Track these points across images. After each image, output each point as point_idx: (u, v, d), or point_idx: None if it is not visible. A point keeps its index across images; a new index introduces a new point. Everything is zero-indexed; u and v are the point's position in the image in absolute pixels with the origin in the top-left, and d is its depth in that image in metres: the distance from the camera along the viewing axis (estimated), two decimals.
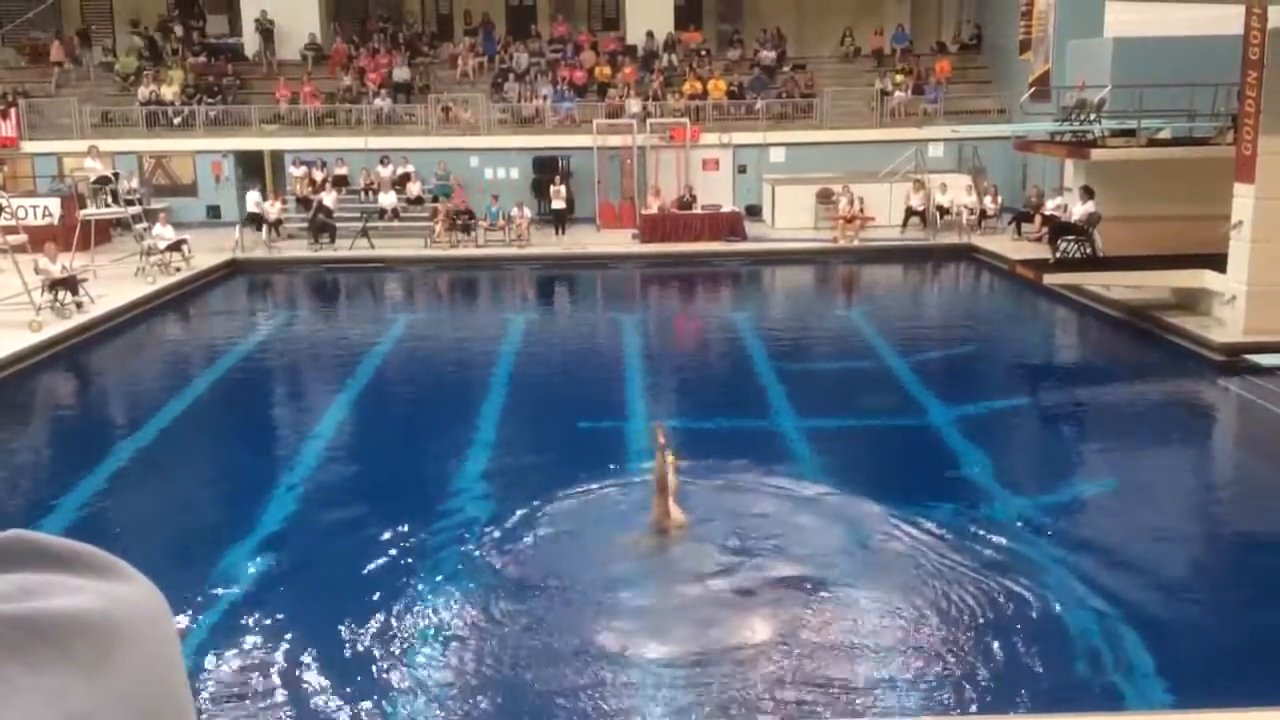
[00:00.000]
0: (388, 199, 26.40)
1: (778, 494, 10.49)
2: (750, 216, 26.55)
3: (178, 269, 22.03)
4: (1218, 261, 16.00)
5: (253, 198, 25.62)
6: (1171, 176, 17.80)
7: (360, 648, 7.75)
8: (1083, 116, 19.65)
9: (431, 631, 8.02)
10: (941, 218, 25.31)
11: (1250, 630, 8.04)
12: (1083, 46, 21.43)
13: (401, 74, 30.01)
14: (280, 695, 7.20)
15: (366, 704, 7.11)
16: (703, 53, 31.08)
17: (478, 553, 9.28)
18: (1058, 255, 19.20)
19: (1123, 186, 18.73)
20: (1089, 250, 19.19)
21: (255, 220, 25.19)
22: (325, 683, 7.32)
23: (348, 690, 7.24)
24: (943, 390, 14.34)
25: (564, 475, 10.89)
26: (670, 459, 9.58)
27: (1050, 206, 22.54)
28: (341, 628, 7.98)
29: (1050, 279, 18.27)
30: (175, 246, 22.20)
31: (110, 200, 22.89)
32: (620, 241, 25.62)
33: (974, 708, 7.00)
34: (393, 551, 9.27)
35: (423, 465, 11.56)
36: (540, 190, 27.40)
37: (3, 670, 0.51)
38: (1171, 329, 16.42)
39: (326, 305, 23.02)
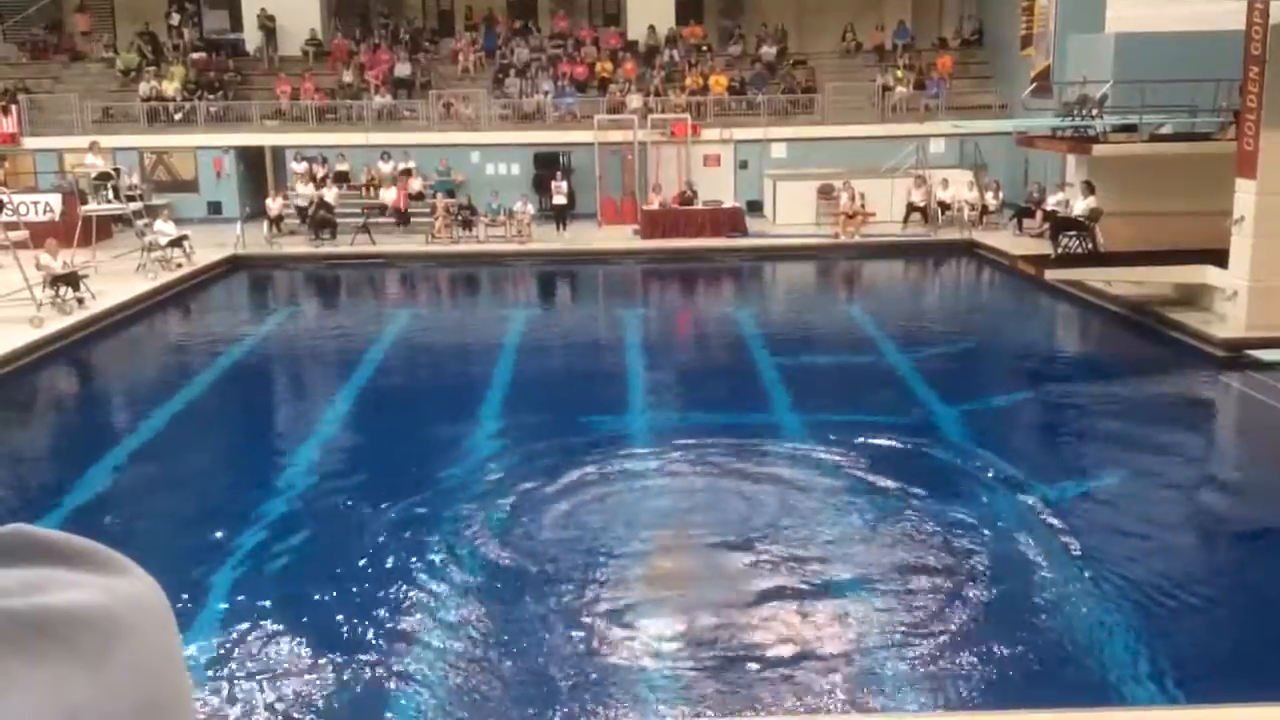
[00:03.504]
0: (389, 195, 26.42)
1: (777, 490, 10.50)
2: (751, 212, 26.53)
3: (179, 265, 22.04)
4: (1219, 257, 15.99)
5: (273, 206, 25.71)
6: (1173, 172, 17.79)
7: (361, 644, 7.77)
8: (1084, 112, 19.63)
9: (433, 627, 8.03)
10: (943, 213, 25.30)
11: (1251, 626, 8.05)
12: (1084, 42, 21.40)
13: (402, 70, 30.00)
14: (278, 689, 7.21)
15: (368, 701, 7.13)
16: (704, 48, 31.05)
17: (477, 547, 9.29)
18: (1059, 251, 19.18)
19: (1124, 182, 18.72)
20: (1090, 246, 19.17)
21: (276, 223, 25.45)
22: (326, 676, 7.33)
23: (347, 685, 7.26)
24: (944, 386, 14.34)
25: (564, 471, 10.91)
26: None
27: (1052, 202, 22.52)
28: (343, 622, 8.00)
29: (1051, 274, 18.26)
30: (176, 242, 22.21)
31: (111, 196, 22.90)
32: (621, 237, 25.63)
33: (974, 702, 7.01)
34: (394, 546, 9.29)
35: (425, 460, 11.58)
36: (541, 186, 27.41)
37: (6, 665, 0.52)
38: (1173, 324, 16.41)
39: (328, 301, 23.04)
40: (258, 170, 29.28)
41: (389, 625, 8.04)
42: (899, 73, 29.37)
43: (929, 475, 10.86)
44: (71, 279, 18.05)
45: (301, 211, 25.60)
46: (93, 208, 22.39)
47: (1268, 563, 9.40)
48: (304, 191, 26.02)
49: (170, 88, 29.33)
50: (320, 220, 24.86)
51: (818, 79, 30.03)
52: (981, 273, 23.21)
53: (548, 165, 27.70)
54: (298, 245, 24.86)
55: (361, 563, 9.03)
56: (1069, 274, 18.42)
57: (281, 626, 7.99)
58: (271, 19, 31.08)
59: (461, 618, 8.19)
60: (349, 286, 23.49)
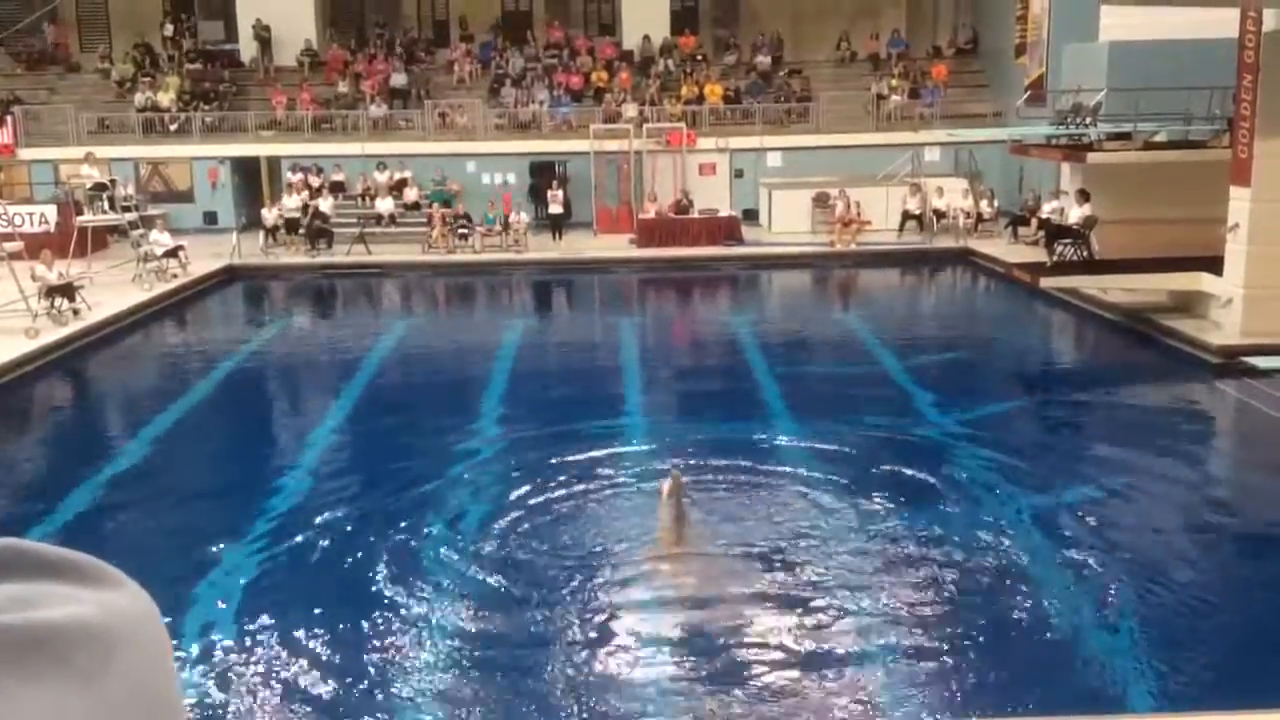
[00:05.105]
0: (385, 204, 26.43)
1: (775, 498, 10.49)
2: (747, 221, 26.57)
3: (174, 275, 22.01)
4: (1214, 264, 16.02)
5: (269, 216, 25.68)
6: (1167, 180, 17.84)
7: (359, 651, 7.74)
8: (1078, 120, 19.69)
9: (431, 637, 8.01)
10: (938, 221, 25.33)
11: (1247, 632, 8.04)
12: (1078, 50, 21.47)
13: (398, 80, 30.03)
14: (276, 696, 7.19)
15: (366, 705, 7.10)
16: (699, 58, 31.12)
17: (477, 558, 9.27)
18: (1054, 258, 19.23)
19: (1119, 190, 18.77)
20: (1085, 253, 19.23)
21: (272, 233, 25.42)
22: (324, 684, 7.31)
23: (345, 693, 7.23)
24: (940, 393, 14.34)
25: (562, 481, 10.89)
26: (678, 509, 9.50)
27: (1046, 210, 22.56)
28: (338, 635, 7.97)
29: (1047, 282, 18.29)
30: (172, 253, 22.19)
31: (107, 207, 22.88)
32: (617, 246, 25.62)
33: (973, 709, 7.00)
34: (391, 560, 9.25)
35: (422, 470, 11.55)
36: (537, 195, 27.43)
37: (1, 682, 0.51)
38: (1168, 332, 16.43)
39: (324, 311, 23.01)
40: (253, 180, 29.28)
41: (388, 635, 8.00)
42: (894, 81, 29.44)
43: (925, 482, 10.84)
44: (67, 290, 18.02)
45: (290, 224, 25.43)
46: (88, 218, 22.38)
47: (1265, 569, 9.40)
48: (290, 203, 25.86)
49: (165, 98, 29.33)
50: (316, 230, 24.85)
51: (813, 88, 30.11)
52: (977, 281, 23.23)
53: (544, 174, 27.73)
54: (294, 255, 24.83)
55: (358, 574, 8.99)
56: (1064, 282, 18.44)
57: (277, 636, 7.96)
58: (267, 29, 31.10)
59: (459, 627, 8.16)
60: (345, 296, 23.46)
